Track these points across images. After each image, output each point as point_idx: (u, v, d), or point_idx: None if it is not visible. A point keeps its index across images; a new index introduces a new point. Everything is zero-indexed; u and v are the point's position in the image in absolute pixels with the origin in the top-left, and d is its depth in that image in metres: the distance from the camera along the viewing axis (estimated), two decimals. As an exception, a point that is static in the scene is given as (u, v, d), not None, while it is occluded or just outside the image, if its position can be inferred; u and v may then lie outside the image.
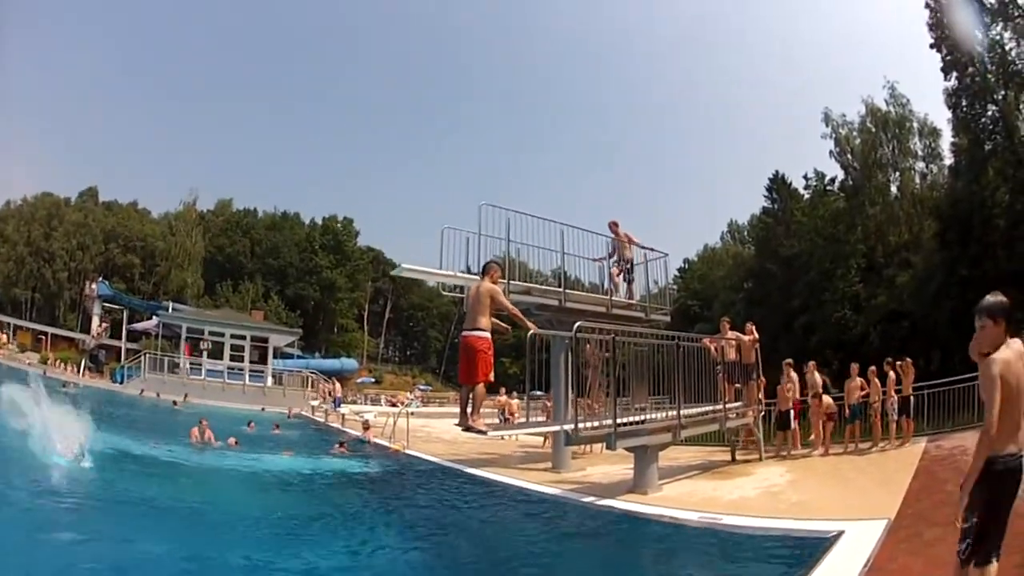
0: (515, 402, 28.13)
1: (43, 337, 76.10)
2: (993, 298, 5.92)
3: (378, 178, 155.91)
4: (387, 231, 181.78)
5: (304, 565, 9.61)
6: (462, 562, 10.85)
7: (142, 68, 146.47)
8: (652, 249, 21.07)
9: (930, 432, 20.10)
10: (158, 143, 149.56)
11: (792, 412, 19.54)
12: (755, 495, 13.13)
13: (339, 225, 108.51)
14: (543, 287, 19.67)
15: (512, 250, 18.47)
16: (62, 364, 62.39)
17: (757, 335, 19.06)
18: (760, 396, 19.14)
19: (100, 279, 79.47)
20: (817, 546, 8.73)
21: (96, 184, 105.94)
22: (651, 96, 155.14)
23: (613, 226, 20.37)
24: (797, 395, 19.99)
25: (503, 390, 31.90)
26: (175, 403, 43.52)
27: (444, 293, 22.73)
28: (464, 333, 11.42)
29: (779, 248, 62.26)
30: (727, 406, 16.87)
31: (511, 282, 17.95)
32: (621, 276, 20.43)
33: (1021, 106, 42.83)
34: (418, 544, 11.69)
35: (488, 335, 11.18)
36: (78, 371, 59.89)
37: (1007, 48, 43.58)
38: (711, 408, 16.43)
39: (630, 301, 20.55)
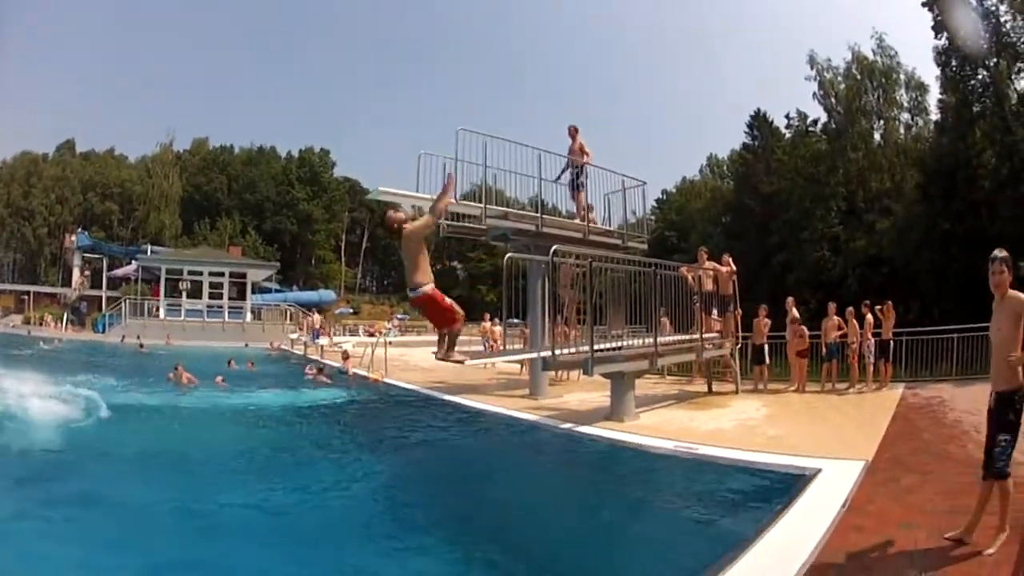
0: (498, 329, 27.99)
1: (26, 297, 76.00)
2: (1004, 252, 6.61)
3: (354, 108, 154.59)
4: (364, 161, 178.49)
5: (288, 498, 9.80)
6: (439, 484, 11.11)
7: (113, 10, 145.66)
8: (630, 177, 20.90)
9: (907, 379, 20.22)
10: (132, 88, 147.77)
11: (766, 347, 19.67)
12: (731, 427, 13.19)
13: (316, 156, 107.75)
14: (519, 212, 19.66)
15: (489, 176, 18.27)
16: (44, 320, 63.07)
17: (734, 267, 19.09)
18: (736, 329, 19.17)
19: (79, 230, 79.48)
20: (794, 482, 8.86)
21: (73, 136, 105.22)
22: (636, 23, 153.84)
23: (573, 130, 20.09)
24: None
25: (487, 315, 32.03)
26: (141, 346, 43.67)
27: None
28: (410, 295, 10.66)
29: (759, 185, 62.18)
30: (704, 336, 16.89)
31: (488, 207, 18.08)
32: (575, 188, 20.03)
33: (1012, 76, 42.65)
34: (396, 471, 11.94)
35: (429, 286, 10.29)
36: (61, 326, 60.29)
37: (1002, 20, 43.27)
38: (688, 337, 16.49)
39: (607, 228, 20.50)
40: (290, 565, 7.58)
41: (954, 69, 45.87)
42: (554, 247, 13.69)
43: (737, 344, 18.89)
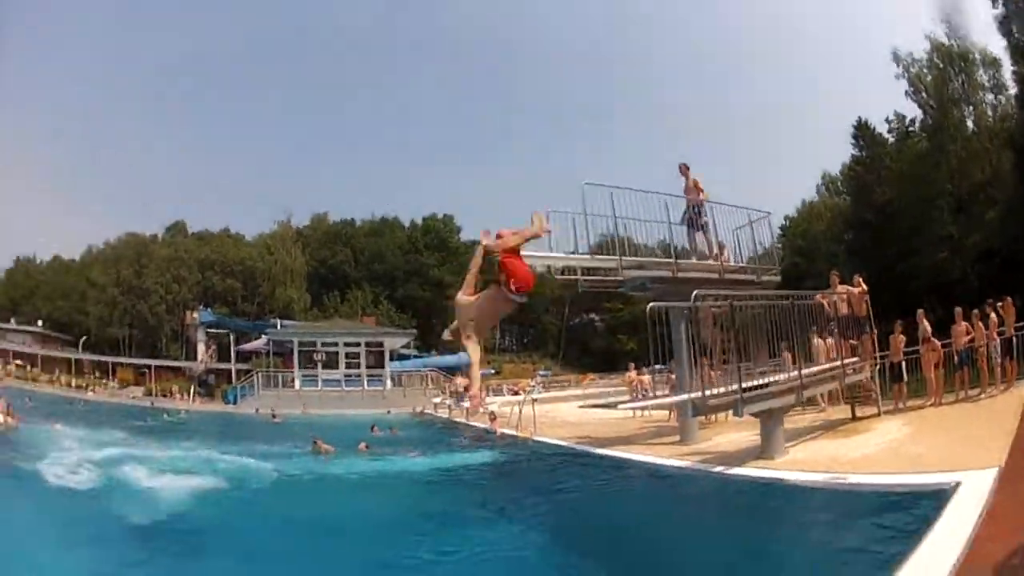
0: (646, 378, 28.13)
1: (146, 370, 77.50)
2: None
3: (472, 173, 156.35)
4: (488, 223, 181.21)
5: (441, 558, 10.13)
6: (592, 539, 11.30)
7: (214, 96, 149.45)
8: (754, 210, 20.70)
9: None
10: (241, 169, 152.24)
11: (903, 363, 19.29)
12: (877, 451, 13.16)
13: (440, 223, 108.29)
14: (655, 260, 19.59)
15: (617, 226, 18.18)
16: (169, 393, 64.20)
17: (865, 287, 18.89)
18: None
19: (201, 307, 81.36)
20: (938, 498, 8.81)
21: (183, 218, 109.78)
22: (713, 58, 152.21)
23: (684, 169, 19.86)
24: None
25: (631, 365, 32.16)
26: (273, 416, 44.39)
27: (556, 277, 22.60)
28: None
29: (872, 196, 60.77)
30: (844, 362, 16.73)
31: (623, 258, 18.23)
32: (694, 227, 19.69)
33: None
34: (549, 527, 12.22)
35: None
36: (188, 398, 61.33)
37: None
38: (830, 365, 16.49)
39: (741, 265, 20.28)
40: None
41: (1016, 36, 45.60)
42: (695, 292, 13.86)
43: (876, 365, 18.69)
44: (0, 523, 12.48)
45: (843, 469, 11.54)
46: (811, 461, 12.88)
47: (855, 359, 17.63)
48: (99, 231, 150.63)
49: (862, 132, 66.10)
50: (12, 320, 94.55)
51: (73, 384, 71.27)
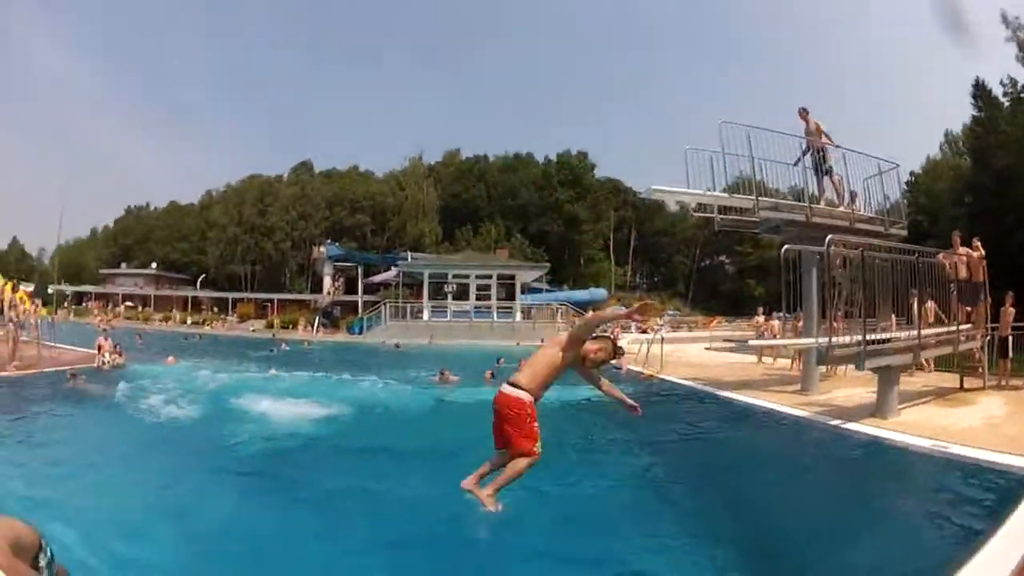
0: (776, 323, 28.06)
1: (268, 304, 79.83)
2: None
3: (607, 110, 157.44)
4: (623, 161, 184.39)
5: (556, 490, 10.16)
6: (706, 478, 11.43)
7: (343, 38, 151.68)
8: (884, 160, 20.10)
9: None
10: (370, 108, 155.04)
11: (1010, 339, 18.41)
12: (979, 425, 12.96)
13: (574, 160, 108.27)
14: (790, 203, 19.38)
15: (755, 167, 18.03)
16: (292, 325, 66.32)
17: (983, 252, 18.15)
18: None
19: (328, 241, 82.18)
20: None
21: (309, 158, 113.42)
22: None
23: (803, 113, 19.31)
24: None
25: (761, 310, 31.99)
26: (396, 346, 45.50)
27: (693, 214, 21.96)
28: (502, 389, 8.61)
29: (990, 160, 59.23)
30: (960, 328, 16.46)
31: (760, 199, 18.09)
32: (819, 172, 19.21)
33: None
34: (667, 464, 12.38)
35: (526, 396, 8.32)
36: (312, 329, 62.84)
37: None
38: (946, 329, 16.19)
39: (871, 215, 19.78)
40: (552, 553, 8.09)
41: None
42: (829, 236, 13.67)
43: (987, 336, 17.94)
44: (114, 454, 12.99)
45: (946, 438, 11.49)
46: (918, 426, 12.81)
47: (969, 326, 17.24)
48: (219, 178, 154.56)
49: (980, 93, 64.50)
50: (123, 265, 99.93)
51: (189, 321, 74.17)
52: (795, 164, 18.90)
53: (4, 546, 3.51)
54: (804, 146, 18.90)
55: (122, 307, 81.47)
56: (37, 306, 28.67)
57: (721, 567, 7.63)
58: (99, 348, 24.91)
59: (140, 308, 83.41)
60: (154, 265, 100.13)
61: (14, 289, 23.45)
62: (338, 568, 7.53)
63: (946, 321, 16.83)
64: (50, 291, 59.93)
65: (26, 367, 20.84)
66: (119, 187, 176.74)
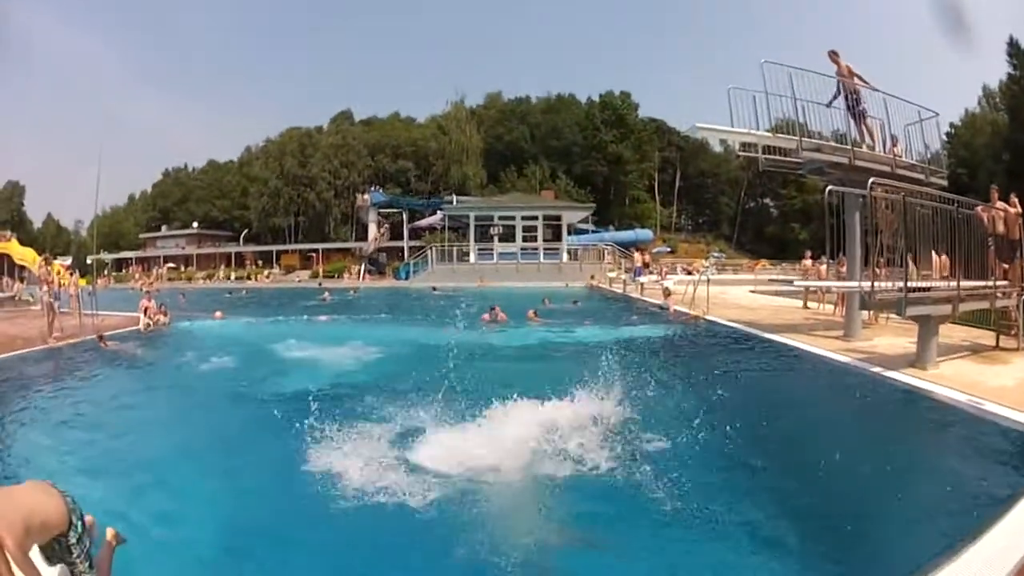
0: (823, 268, 28.06)
1: (312, 255, 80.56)
2: None
3: (648, 50, 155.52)
4: (666, 101, 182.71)
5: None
6: (748, 417, 11.49)
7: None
8: (924, 108, 19.77)
9: None
10: (409, 56, 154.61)
11: None
12: (1013, 386, 12.70)
13: (617, 100, 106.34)
14: (834, 145, 19.02)
15: (797, 108, 17.90)
16: (338, 274, 67.72)
17: (1020, 208, 17.63)
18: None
19: (372, 188, 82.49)
20: None
21: (349, 107, 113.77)
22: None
23: (833, 56, 18.81)
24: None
25: (808, 254, 31.91)
26: (433, 289, 46.07)
27: (739, 154, 22.15)
28: None
29: None
30: (996, 284, 16.27)
31: (803, 139, 18.07)
32: (853, 115, 18.88)
33: None
34: (703, 405, 12.28)
35: None
36: (358, 277, 64.03)
37: None
38: (983, 284, 15.93)
39: (912, 163, 19.55)
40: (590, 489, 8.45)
41: None
42: (872, 179, 13.68)
43: (1021, 295, 17.20)
44: (165, 401, 13.95)
45: (981, 395, 11.42)
46: (956, 379, 12.77)
47: (1005, 283, 16.99)
48: (258, 134, 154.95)
49: (1014, 51, 64.26)
50: (163, 228, 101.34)
51: (233, 277, 74.95)
52: (828, 105, 18.74)
53: (18, 527, 3.63)
54: (836, 88, 18.67)
55: (164, 269, 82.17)
56: (75, 277, 29.09)
57: (759, 501, 8.21)
58: (144, 310, 25.37)
59: (183, 268, 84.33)
60: (195, 224, 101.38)
61: (47, 262, 23.70)
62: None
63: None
64: (89, 261, 60.81)
65: (66, 337, 21.11)
66: (156, 153, 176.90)
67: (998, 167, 60.83)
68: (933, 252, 15.54)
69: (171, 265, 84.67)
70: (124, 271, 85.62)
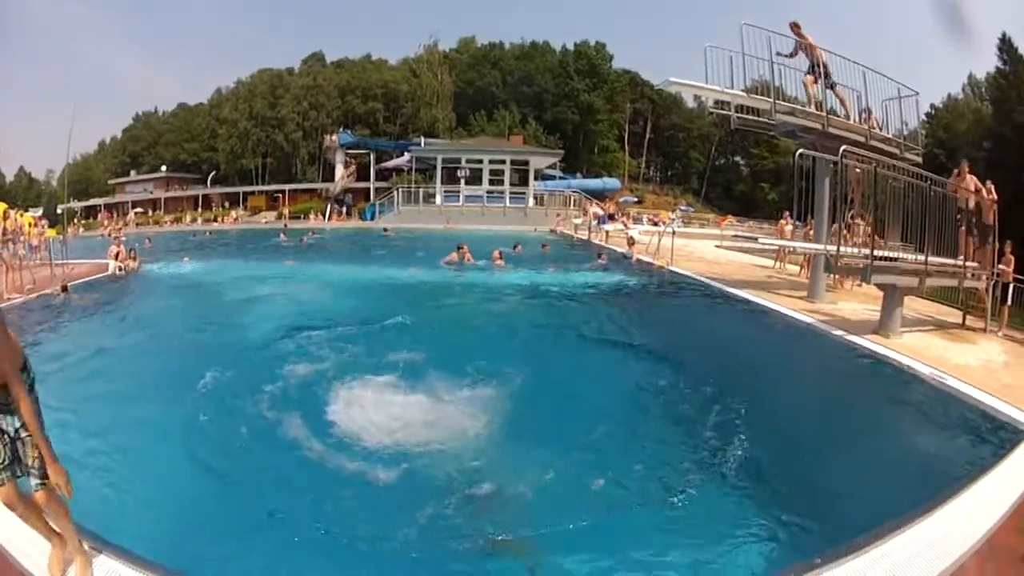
0: (788, 228, 28.06)
1: (279, 196, 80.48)
2: None
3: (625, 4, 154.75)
4: (640, 53, 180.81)
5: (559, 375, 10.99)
6: (707, 368, 11.84)
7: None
8: (904, 85, 19.82)
9: None
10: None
11: (1011, 287, 17.73)
12: (976, 366, 12.79)
13: (591, 50, 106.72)
14: (807, 109, 18.91)
15: (774, 71, 17.98)
16: (304, 214, 67.20)
17: (995, 195, 17.68)
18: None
19: (341, 129, 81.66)
20: (1015, 435, 8.77)
21: (321, 49, 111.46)
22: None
23: (795, 28, 18.63)
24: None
25: (787, 214, 32.04)
26: (385, 231, 46.41)
27: (711, 110, 22.14)
28: None
29: (1012, 112, 58.79)
30: (966, 263, 16.23)
31: (777, 102, 18.05)
32: (818, 84, 18.73)
33: None
34: (662, 353, 12.84)
35: None
36: (324, 218, 63.55)
37: None
38: (953, 262, 15.97)
39: (887, 136, 19.52)
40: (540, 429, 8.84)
41: None
42: (843, 147, 13.78)
43: (992, 279, 17.37)
44: (129, 358, 13.57)
45: (945, 369, 11.55)
46: (919, 351, 12.92)
47: (976, 264, 16.94)
48: (230, 76, 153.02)
49: (1006, 47, 64.29)
50: (132, 172, 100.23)
51: (200, 220, 74.04)
52: (789, 56, 18.62)
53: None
54: (794, 50, 18.65)
55: (132, 214, 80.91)
56: (43, 228, 28.86)
57: (722, 460, 8.40)
58: (114, 255, 25.37)
59: (151, 213, 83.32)
60: (163, 168, 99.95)
61: (4, 217, 23.34)
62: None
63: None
64: (59, 211, 60.46)
65: (36, 290, 20.85)
66: (127, 100, 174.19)
67: (978, 154, 60.62)
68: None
69: (139, 210, 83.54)
70: (92, 219, 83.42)
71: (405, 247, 35.36)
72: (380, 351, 12.01)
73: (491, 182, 62.61)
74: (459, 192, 61.47)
